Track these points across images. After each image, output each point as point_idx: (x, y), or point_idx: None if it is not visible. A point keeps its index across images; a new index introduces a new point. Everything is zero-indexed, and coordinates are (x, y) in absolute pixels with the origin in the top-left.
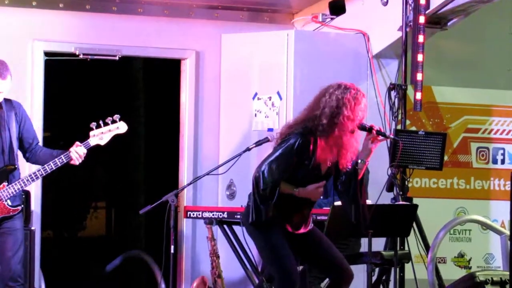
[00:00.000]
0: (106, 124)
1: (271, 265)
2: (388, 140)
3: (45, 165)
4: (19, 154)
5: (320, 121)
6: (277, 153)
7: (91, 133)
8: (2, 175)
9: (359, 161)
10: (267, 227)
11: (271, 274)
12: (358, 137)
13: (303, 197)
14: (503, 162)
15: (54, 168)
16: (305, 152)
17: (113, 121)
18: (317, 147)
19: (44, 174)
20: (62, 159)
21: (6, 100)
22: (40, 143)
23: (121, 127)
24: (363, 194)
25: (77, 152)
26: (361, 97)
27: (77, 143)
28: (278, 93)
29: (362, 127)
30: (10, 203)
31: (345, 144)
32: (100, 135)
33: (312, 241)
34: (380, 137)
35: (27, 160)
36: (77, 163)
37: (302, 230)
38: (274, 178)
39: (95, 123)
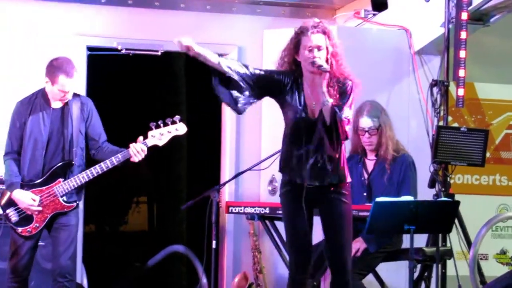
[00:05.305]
0: (165, 124)
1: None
2: (430, 137)
3: (101, 163)
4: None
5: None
6: None
7: (150, 133)
8: (59, 171)
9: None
10: (285, 194)
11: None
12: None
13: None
14: None
15: (110, 166)
16: (288, 75)
17: (173, 122)
18: (299, 83)
19: (100, 172)
20: (119, 158)
21: (74, 95)
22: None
23: (181, 129)
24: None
25: (135, 148)
26: (302, 31)
27: (139, 138)
28: None
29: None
30: (66, 199)
31: (310, 84)
32: (159, 136)
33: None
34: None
35: (93, 156)
36: (136, 160)
37: (317, 183)
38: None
39: (154, 123)
